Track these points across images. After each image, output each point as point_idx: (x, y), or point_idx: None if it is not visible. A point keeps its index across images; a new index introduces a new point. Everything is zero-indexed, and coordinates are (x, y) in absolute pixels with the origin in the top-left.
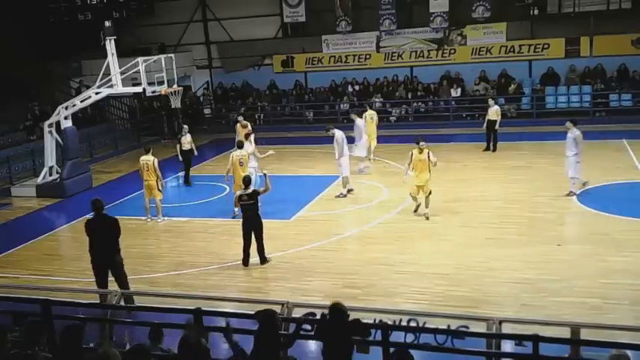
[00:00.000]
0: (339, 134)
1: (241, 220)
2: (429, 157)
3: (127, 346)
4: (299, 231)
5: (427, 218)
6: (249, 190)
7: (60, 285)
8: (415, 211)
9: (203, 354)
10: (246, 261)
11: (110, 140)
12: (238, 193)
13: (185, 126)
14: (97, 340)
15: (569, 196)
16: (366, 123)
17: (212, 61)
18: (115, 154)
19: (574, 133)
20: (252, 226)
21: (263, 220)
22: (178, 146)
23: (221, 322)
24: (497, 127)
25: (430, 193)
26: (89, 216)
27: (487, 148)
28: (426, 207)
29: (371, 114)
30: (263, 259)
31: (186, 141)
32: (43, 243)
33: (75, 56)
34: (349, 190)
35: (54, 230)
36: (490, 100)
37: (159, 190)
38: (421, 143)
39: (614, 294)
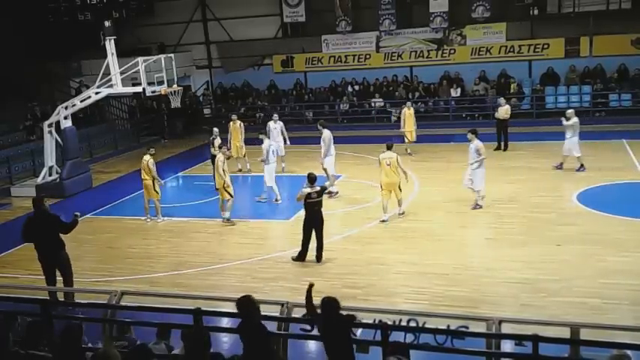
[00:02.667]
0: (326, 133)
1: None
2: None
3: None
4: (299, 231)
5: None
6: (317, 188)
7: (60, 285)
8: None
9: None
10: (303, 257)
11: (110, 140)
12: (307, 190)
13: (215, 129)
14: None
15: (475, 208)
16: (406, 117)
17: (212, 61)
18: (115, 154)
19: (475, 144)
20: (318, 223)
21: (263, 220)
22: (212, 149)
23: (221, 322)
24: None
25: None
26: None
27: (498, 147)
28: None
29: (411, 111)
30: (320, 257)
31: (217, 144)
32: None
33: (75, 56)
34: (330, 192)
35: None
36: (501, 99)
37: (155, 190)
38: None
39: (614, 294)
